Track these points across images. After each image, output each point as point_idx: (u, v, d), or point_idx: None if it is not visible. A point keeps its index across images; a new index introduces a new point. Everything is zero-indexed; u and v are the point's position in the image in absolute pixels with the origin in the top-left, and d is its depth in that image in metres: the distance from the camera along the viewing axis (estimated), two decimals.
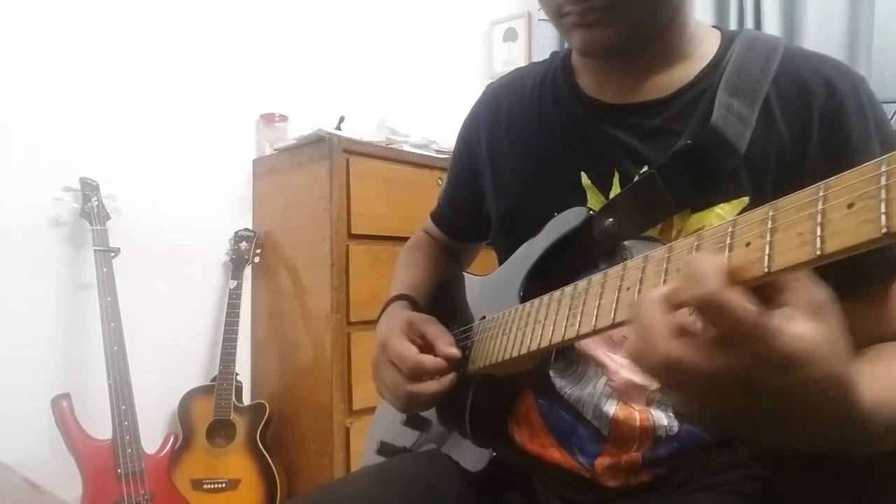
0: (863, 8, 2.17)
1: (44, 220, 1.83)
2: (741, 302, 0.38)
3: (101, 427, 1.70)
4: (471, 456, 0.76)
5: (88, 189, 1.81)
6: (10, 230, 1.76)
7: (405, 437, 0.90)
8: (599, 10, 0.69)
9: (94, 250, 1.76)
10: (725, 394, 0.42)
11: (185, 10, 2.14)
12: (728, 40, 0.76)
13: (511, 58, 2.96)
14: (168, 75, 2.09)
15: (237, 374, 2.03)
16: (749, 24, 2.43)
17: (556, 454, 0.74)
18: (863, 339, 0.63)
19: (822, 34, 2.24)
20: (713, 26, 0.81)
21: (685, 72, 0.75)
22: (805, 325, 0.39)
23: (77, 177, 1.81)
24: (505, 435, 0.81)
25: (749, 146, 0.67)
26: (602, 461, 0.71)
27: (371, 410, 1.89)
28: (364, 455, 1.00)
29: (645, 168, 0.71)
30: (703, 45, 0.76)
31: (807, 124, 0.68)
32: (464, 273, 0.98)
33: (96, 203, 1.80)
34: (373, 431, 1.02)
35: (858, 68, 2.12)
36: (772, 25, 2.37)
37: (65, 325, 1.85)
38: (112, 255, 1.79)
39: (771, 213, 0.39)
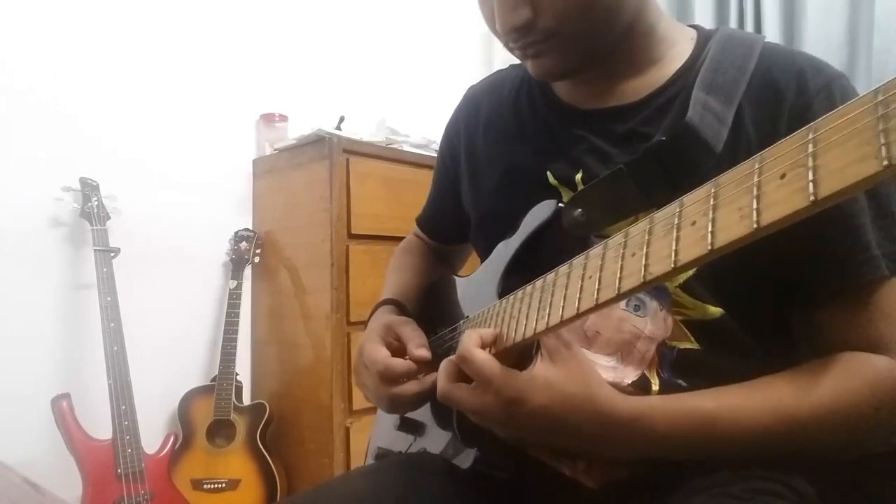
0: (863, 8, 2.16)
1: (44, 220, 1.83)
2: (483, 357, 0.60)
3: (101, 427, 1.71)
4: (460, 454, 0.76)
5: (88, 189, 1.81)
6: (10, 230, 1.76)
7: (400, 442, 0.91)
8: (536, 44, 0.70)
9: (94, 250, 1.77)
10: (499, 422, 0.62)
11: (186, 11, 2.15)
12: (704, 40, 0.75)
13: (511, 58, 2.95)
14: (168, 75, 2.09)
15: (237, 374, 2.03)
16: (749, 24, 2.43)
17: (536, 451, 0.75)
18: (840, 345, 0.64)
19: (822, 34, 2.23)
20: (691, 25, 0.80)
21: (658, 75, 0.75)
22: (537, 367, 0.60)
23: (77, 177, 1.82)
24: (492, 434, 0.81)
25: (723, 147, 0.65)
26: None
27: (371, 410, 1.91)
28: (367, 461, 1.00)
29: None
30: (677, 46, 0.76)
31: (775, 127, 0.66)
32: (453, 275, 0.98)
33: (96, 203, 1.80)
34: (372, 437, 1.03)
35: (858, 68, 2.12)
36: (772, 25, 2.37)
37: (65, 325, 1.85)
38: (112, 255, 1.79)
39: (713, 191, 0.40)
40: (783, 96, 0.67)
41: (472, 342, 0.62)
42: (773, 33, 2.33)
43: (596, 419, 0.60)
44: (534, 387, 0.59)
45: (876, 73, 2.09)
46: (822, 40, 2.22)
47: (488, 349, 0.63)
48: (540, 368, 0.60)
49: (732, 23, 2.48)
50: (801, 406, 0.60)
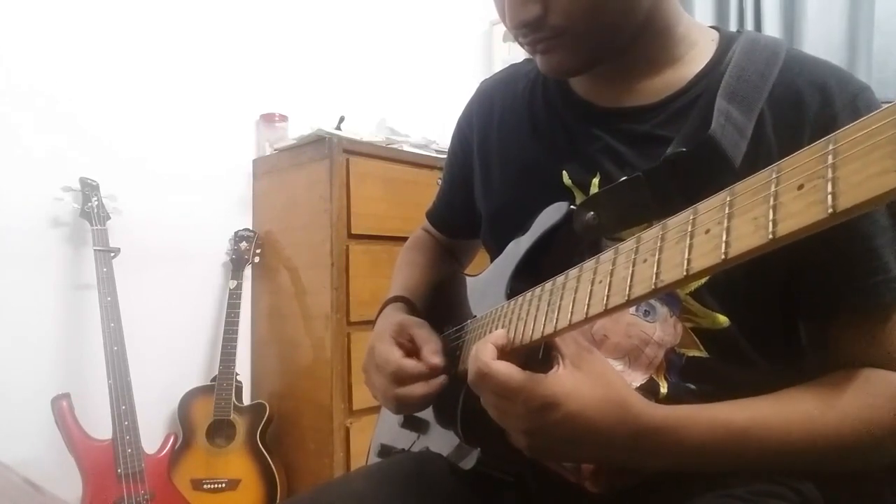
0: (863, 8, 2.16)
1: (44, 220, 1.82)
2: (503, 369, 0.57)
3: (101, 427, 1.70)
4: (463, 455, 0.76)
5: (88, 189, 1.81)
6: (10, 230, 1.76)
7: (403, 439, 0.91)
8: (546, 40, 0.69)
9: (94, 250, 1.76)
10: (526, 432, 0.60)
11: (186, 11, 2.14)
12: (727, 42, 0.74)
13: (511, 58, 2.95)
14: (168, 75, 2.09)
15: (237, 374, 2.03)
16: (749, 24, 2.43)
17: None
18: (855, 361, 0.64)
19: (822, 34, 2.24)
20: (711, 27, 0.79)
21: (678, 75, 0.74)
22: (562, 372, 0.58)
23: (77, 177, 1.81)
24: (496, 435, 0.81)
25: (741, 161, 0.63)
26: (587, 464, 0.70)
27: (371, 410, 1.91)
28: (370, 459, 1.00)
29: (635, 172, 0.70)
30: (697, 46, 0.75)
31: (797, 138, 0.65)
32: (462, 272, 0.97)
33: (96, 203, 1.80)
34: (375, 434, 1.02)
35: (858, 68, 2.12)
36: (772, 25, 2.37)
37: (65, 325, 1.85)
38: (112, 255, 1.79)
39: (728, 199, 0.39)
40: (806, 108, 0.66)
41: (487, 355, 0.59)
42: (772, 33, 2.33)
43: (628, 425, 0.58)
44: (564, 392, 0.57)
45: (876, 73, 2.09)
46: (822, 40, 2.23)
47: (502, 353, 0.61)
48: (566, 375, 0.59)
49: (732, 23, 2.48)
50: (828, 421, 0.60)
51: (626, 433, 0.58)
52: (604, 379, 0.59)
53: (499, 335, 0.62)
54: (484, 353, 0.60)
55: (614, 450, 0.60)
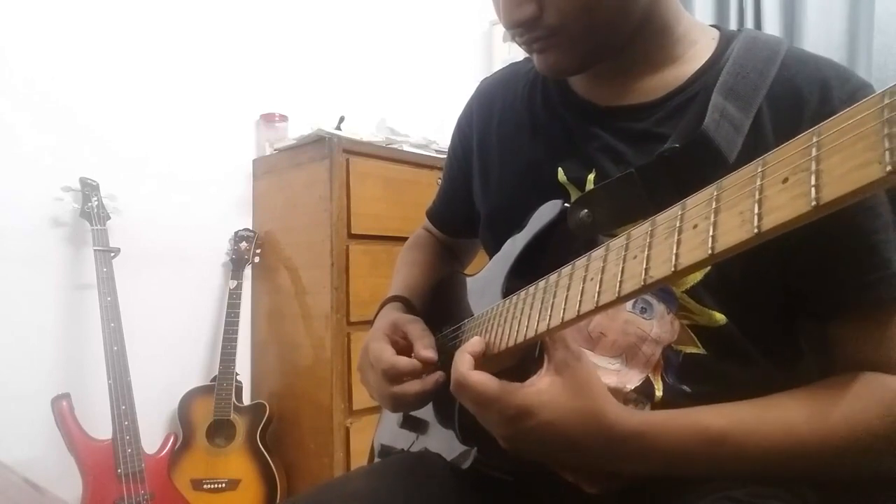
0: (863, 8, 2.16)
1: (44, 220, 1.83)
2: (477, 379, 0.59)
3: (101, 427, 1.71)
4: (461, 454, 0.76)
5: (88, 189, 1.81)
6: (10, 230, 1.76)
7: (403, 440, 0.91)
8: (542, 40, 0.69)
9: (94, 250, 1.76)
10: (503, 438, 0.62)
11: (186, 10, 2.15)
12: (726, 41, 0.74)
13: (511, 58, 2.94)
14: (168, 75, 2.09)
15: (237, 374, 2.03)
16: (749, 23, 2.43)
17: None
18: (854, 363, 0.63)
19: (822, 34, 2.23)
20: (712, 25, 0.79)
21: (677, 74, 0.73)
22: (540, 380, 0.59)
23: (77, 177, 1.82)
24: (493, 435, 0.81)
25: (736, 157, 0.62)
26: None
27: (371, 410, 1.91)
28: (371, 460, 1.00)
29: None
30: (697, 45, 0.75)
31: (795, 135, 0.65)
32: (461, 271, 0.97)
33: (96, 203, 1.80)
34: (376, 435, 1.03)
35: (858, 68, 2.12)
36: (772, 25, 2.36)
37: (65, 325, 1.85)
38: (112, 255, 1.79)
39: (716, 193, 0.39)
40: (805, 105, 0.65)
41: (464, 365, 0.61)
42: (772, 33, 2.33)
43: (601, 434, 0.59)
44: (539, 402, 0.58)
45: (876, 73, 2.09)
46: (822, 40, 2.22)
47: (480, 361, 0.62)
48: (545, 383, 0.59)
49: (732, 23, 2.48)
50: (814, 432, 0.59)
51: (599, 441, 0.59)
52: (584, 389, 0.59)
53: (474, 343, 0.64)
54: (461, 364, 0.61)
55: (588, 455, 0.61)
